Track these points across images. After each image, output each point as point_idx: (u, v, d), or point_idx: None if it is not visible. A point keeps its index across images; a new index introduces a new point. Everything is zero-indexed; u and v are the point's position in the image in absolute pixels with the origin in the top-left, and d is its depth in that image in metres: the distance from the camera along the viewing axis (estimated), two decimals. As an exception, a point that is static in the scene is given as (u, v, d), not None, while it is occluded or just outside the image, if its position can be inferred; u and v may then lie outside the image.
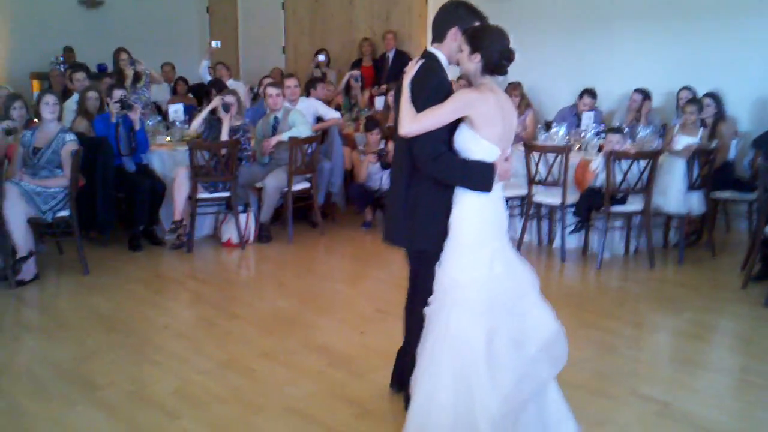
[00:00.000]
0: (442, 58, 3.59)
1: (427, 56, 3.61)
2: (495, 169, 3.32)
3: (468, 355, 3.23)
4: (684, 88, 7.90)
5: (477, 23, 3.54)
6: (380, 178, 7.79)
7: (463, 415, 3.21)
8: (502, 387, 3.19)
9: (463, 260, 3.34)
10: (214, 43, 10.21)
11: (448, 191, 3.43)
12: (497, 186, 3.40)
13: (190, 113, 8.75)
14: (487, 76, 3.38)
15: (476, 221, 3.36)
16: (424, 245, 3.54)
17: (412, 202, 3.54)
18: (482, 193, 3.35)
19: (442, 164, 3.37)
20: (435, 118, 3.32)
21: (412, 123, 3.35)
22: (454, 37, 3.54)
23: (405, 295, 3.89)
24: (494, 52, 3.32)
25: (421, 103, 3.39)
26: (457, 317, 3.28)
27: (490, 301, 3.27)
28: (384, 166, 7.76)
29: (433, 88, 3.43)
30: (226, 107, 7.25)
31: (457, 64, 3.52)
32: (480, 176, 3.33)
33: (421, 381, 3.35)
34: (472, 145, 3.36)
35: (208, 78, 9.94)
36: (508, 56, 3.34)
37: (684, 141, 6.75)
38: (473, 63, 3.37)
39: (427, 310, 3.45)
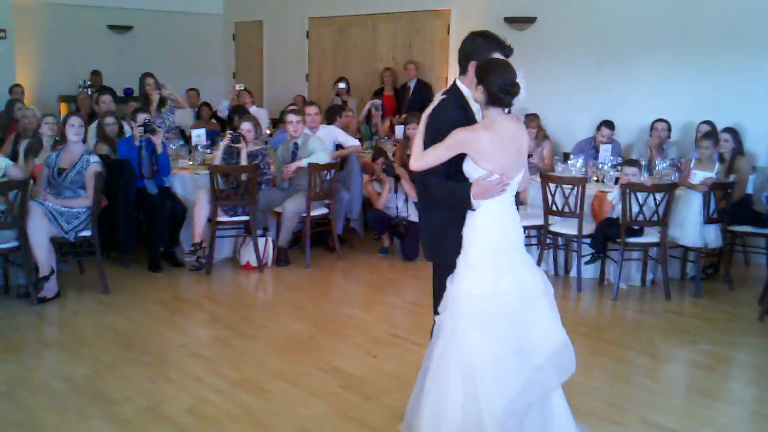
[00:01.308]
0: (465, 90, 3.69)
1: (451, 90, 3.75)
2: (469, 189, 3.50)
3: (474, 362, 3.42)
4: (704, 122, 7.93)
5: (496, 53, 3.61)
6: (396, 207, 7.84)
7: (471, 416, 3.41)
8: (507, 391, 3.38)
9: (470, 276, 3.54)
10: (237, 86, 10.47)
11: (458, 211, 3.61)
12: (497, 204, 3.53)
13: (212, 138, 8.89)
14: (492, 109, 3.50)
15: (481, 241, 3.55)
16: (440, 259, 3.75)
17: (430, 221, 3.82)
18: (485, 211, 3.53)
19: (431, 189, 3.68)
20: (434, 156, 3.56)
21: (418, 160, 3.64)
22: (473, 68, 3.63)
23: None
24: (494, 85, 3.43)
25: (430, 139, 3.62)
26: (464, 327, 3.48)
27: (495, 314, 3.47)
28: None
29: (442, 125, 3.57)
30: (235, 140, 7.33)
31: None
32: (457, 196, 3.56)
33: (430, 384, 3.57)
34: (475, 175, 3.54)
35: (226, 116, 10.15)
36: (509, 90, 3.43)
37: (701, 175, 6.77)
38: (479, 95, 3.51)
39: (437, 318, 3.65)
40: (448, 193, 3.61)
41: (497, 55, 3.61)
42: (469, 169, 3.53)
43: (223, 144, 7.50)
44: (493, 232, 3.54)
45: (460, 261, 3.59)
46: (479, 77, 3.48)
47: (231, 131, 7.60)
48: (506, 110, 3.55)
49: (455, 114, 3.62)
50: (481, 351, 3.42)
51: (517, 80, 3.45)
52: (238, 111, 9.24)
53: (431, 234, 3.82)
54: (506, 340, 3.44)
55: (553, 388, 3.55)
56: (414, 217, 7.57)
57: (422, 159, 3.60)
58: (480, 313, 3.47)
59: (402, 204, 7.84)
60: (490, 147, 3.45)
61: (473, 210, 3.55)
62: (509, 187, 3.56)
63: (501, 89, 3.42)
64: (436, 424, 3.50)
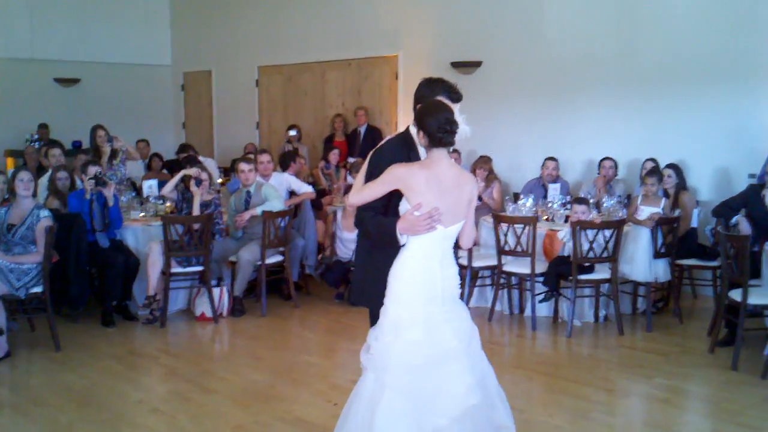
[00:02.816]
0: (415, 134, 3.73)
1: (401, 133, 3.82)
2: (394, 221, 3.50)
3: (365, 410, 3.41)
4: (648, 159, 8.16)
5: (443, 97, 3.66)
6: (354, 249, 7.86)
7: None
8: None
9: (383, 322, 3.52)
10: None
11: (390, 254, 3.58)
12: (426, 250, 3.50)
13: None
14: (435, 150, 3.50)
15: (399, 284, 3.52)
16: (365, 304, 3.78)
17: (363, 263, 3.84)
18: (410, 255, 3.51)
19: (364, 224, 3.68)
20: (370, 191, 3.58)
21: (355, 195, 3.66)
22: None
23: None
24: (431, 126, 3.45)
25: (369, 175, 3.65)
26: (366, 375, 3.49)
27: (397, 365, 3.41)
28: None
29: (383, 162, 3.61)
30: (199, 182, 7.33)
31: None
32: (385, 229, 3.55)
33: (338, 424, 3.61)
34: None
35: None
36: (446, 128, 3.44)
37: (647, 211, 6.96)
38: (422, 139, 3.53)
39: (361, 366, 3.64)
40: (377, 227, 3.61)
41: (443, 99, 3.65)
42: (403, 208, 3.52)
43: (180, 173, 7.48)
44: (413, 278, 3.49)
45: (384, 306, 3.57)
46: (418, 123, 3.51)
47: (198, 169, 7.51)
48: (450, 150, 3.57)
49: (398, 153, 3.67)
50: (374, 401, 3.40)
51: (454, 117, 3.46)
52: (190, 161, 9.21)
53: (367, 276, 3.78)
54: (402, 393, 3.39)
55: None
56: None
57: (360, 193, 3.62)
58: (380, 361, 3.44)
59: None
60: (423, 185, 3.44)
61: (401, 245, 3.52)
62: (444, 234, 3.51)
63: (438, 128, 3.43)
64: None
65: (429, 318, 3.46)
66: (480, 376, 3.53)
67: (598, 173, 8.57)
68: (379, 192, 3.54)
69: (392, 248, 3.55)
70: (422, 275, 3.49)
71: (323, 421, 4.90)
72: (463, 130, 3.51)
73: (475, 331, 3.63)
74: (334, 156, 10.33)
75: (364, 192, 3.60)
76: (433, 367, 3.41)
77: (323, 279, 8.28)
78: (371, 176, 3.61)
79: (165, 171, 10.88)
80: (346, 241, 7.94)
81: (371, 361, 3.48)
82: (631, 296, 7.41)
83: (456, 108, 3.56)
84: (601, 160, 8.53)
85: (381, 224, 3.58)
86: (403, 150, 3.69)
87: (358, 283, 3.89)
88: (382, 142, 3.80)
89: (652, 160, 8.11)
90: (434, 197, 3.44)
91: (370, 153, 3.76)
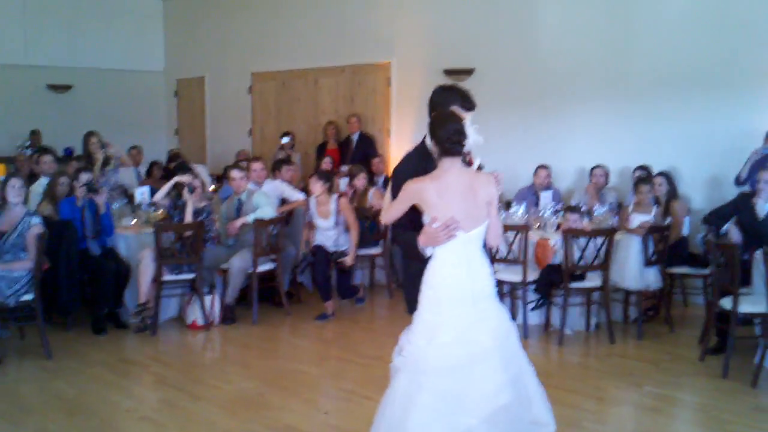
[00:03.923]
0: (431, 144, 3.77)
1: (419, 145, 3.87)
2: (416, 237, 3.59)
3: (402, 412, 3.47)
4: (639, 167, 8.19)
5: (457, 106, 3.75)
6: (335, 238, 7.83)
7: None
8: None
9: (415, 326, 3.63)
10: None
11: (423, 264, 3.67)
12: (451, 255, 3.57)
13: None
14: (446, 159, 3.58)
15: (429, 291, 3.62)
16: (409, 311, 3.83)
17: (409, 274, 3.91)
18: (437, 262, 3.60)
19: (397, 241, 3.91)
20: (394, 210, 3.69)
21: (385, 214, 3.79)
22: None
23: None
24: (440, 137, 3.56)
25: (393, 194, 3.76)
26: (399, 376, 3.57)
27: (429, 366, 3.50)
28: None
29: (401, 179, 3.68)
30: (192, 188, 7.34)
31: None
32: (411, 245, 3.65)
33: (372, 429, 3.68)
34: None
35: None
36: (454, 139, 3.53)
37: (638, 219, 6.97)
38: (433, 147, 3.62)
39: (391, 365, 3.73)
40: (405, 243, 3.74)
41: (456, 108, 3.73)
42: (425, 220, 3.60)
43: (173, 180, 7.48)
44: (441, 283, 3.58)
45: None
46: (430, 132, 3.62)
47: (192, 177, 7.54)
48: (461, 158, 3.62)
49: (415, 167, 3.72)
50: (408, 402, 3.47)
51: (464, 127, 3.55)
52: (183, 168, 9.20)
53: (409, 287, 3.88)
54: (436, 395, 3.46)
55: None
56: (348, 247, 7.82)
57: (387, 213, 3.75)
58: (414, 364, 3.53)
59: (343, 238, 7.87)
60: (435, 197, 3.52)
61: (426, 257, 3.61)
62: (467, 239, 3.56)
63: (447, 139, 3.52)
64: None
65: (460, 320, 3.56)
66: (514, 374, 3.63)
67: (590, 181, 8.59)
68: (400, 210, 3.65)
69: (424, 259, 3.66)
70: (451, 282, 3.58)
71: (312, 430, 4.90)
72: (475, 140, 3.58)
73: (512, 328, 3.75)
74: (326, 165, 10.34)
75: (390, 211, 3.72)
76: (466, 368, 3.50)
77: (312, 278, 8.20)
78: (395, 194, 3.72)
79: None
80: (322, 229, 7.87)
81: (405, 363, 3.58)
82: (622, 304, 7.42)
83: (468, 117, 3.63)
84: (593, 168, 8.56)
85: (407, 241, 3.69)
86: (420, 163, 3.75)
87: (406, 295, 3.96)
88: (403, 157, 3.89)
89: (644, 168, 8.13)
90: (448, 207, 3.52)
91: (393, 168, 3.89)
